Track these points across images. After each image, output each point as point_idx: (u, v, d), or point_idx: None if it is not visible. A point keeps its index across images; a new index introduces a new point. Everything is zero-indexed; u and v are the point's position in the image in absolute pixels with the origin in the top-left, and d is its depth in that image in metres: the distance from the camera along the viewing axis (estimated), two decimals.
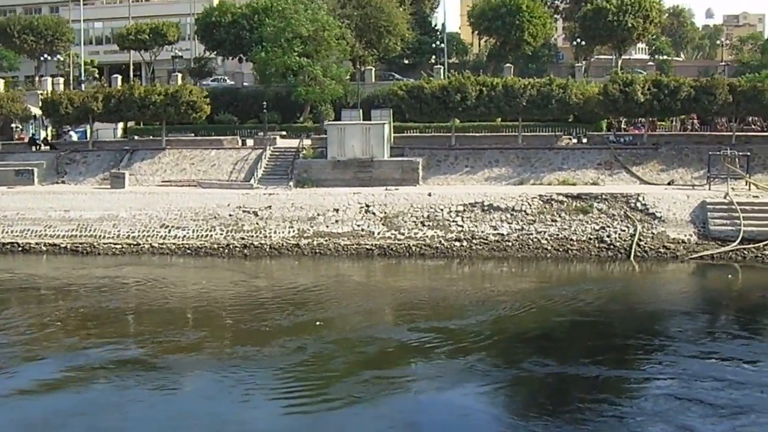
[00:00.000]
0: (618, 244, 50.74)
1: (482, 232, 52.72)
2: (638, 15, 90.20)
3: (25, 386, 29.44)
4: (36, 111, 75.39)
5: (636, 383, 29.52)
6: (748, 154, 58.76)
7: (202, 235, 54.68)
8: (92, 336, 36.00)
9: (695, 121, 71.61)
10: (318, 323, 36.65)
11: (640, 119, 68.80)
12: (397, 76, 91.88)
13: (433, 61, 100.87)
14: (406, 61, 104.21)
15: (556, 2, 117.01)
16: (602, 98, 63.82)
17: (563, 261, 49.94)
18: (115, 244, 54.60)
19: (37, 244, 55.24)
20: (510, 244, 51.61)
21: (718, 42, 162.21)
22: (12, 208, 59.38)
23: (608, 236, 51.38)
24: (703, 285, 47.58)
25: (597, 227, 52.24)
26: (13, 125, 79.30)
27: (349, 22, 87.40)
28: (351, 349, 33.93)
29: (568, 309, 40.34)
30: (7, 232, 56.74)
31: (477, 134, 69.21)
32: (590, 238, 51.47)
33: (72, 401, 28.51)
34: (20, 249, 55.02)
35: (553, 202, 54.60)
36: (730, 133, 65.08)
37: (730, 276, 47.20)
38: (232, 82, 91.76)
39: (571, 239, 51.51)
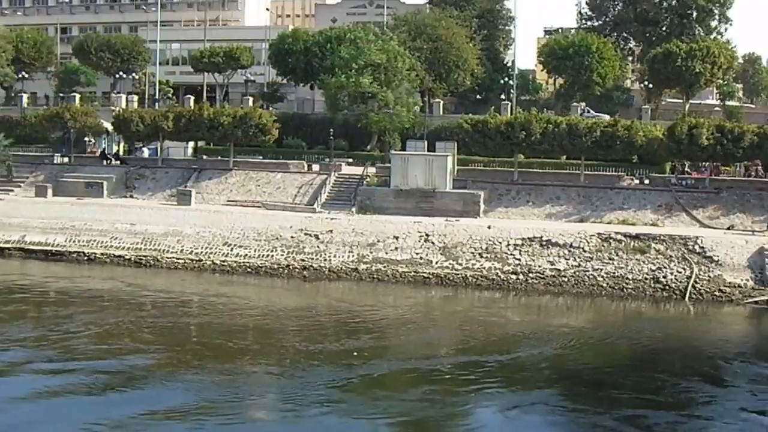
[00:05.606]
0: (674, 285, 50.73)
1: (539, 266, 52.98)
2: (707, 61, 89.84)
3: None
4: (108, 126, 77.02)
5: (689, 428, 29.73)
6: None
7: (263, 255, 55.60)
8: (146, 343, 37.77)
9: (759, 167, 71.09)
10: (355, 353, 37.05)
11: (703, 163, 68.52)
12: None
13: (503, 97, 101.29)
14: (478, 96, 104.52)
15: (630, 44, 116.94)
16: (667, 140, 63.77)
17: (618, 299, 50.08)
18: (178, 259, 55.79)
19: (102, 254, 56.70)
20: (566, 279, 51.82)
21: None
22: (80, 219, 61.05)
23: (664, 277, 51.36)
24: (758, 330, 47.55)
25: (654, 267, 52.21)
26: (86, 139, 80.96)
27: (419, 54, 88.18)
28: (394, 382, 34.57)
29: (622, 347, 41.02)
30: (74, 242, 58.30)
31: (540, 170, 69.36)
32: (646, 278, 51.47)
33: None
34: (86, 258, 56.56)
35: (611, 240, 54.69)
36: None
37: None
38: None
39: (627, 278, 51.57)
